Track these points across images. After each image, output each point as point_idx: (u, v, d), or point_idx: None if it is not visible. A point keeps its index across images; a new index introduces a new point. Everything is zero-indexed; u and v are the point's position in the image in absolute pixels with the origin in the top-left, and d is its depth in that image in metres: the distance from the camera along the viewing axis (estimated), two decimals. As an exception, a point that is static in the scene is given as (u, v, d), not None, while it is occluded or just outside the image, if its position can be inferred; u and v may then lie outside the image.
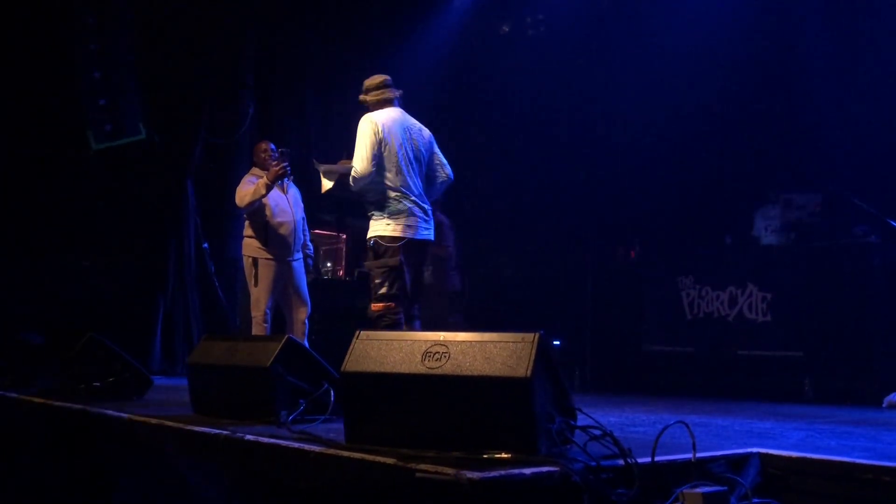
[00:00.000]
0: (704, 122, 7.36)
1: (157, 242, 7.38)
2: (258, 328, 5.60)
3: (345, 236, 9.20)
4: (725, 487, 2.45)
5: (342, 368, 2.63)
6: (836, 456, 2.66)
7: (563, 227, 8.30)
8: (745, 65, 7.14)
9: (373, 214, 4.39)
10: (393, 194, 4.36)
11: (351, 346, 2.66)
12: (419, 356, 2.50)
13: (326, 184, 4.40)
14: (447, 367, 2.43)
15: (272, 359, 3.35)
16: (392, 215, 4.35)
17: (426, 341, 2.53)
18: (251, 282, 5.65)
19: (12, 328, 6.15)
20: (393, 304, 4.28)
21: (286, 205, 5.73)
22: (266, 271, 5.61)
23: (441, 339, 2.51)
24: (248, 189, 5.55)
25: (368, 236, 4.39)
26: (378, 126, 4.37)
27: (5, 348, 5.73)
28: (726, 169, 7.29)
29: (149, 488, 3.29)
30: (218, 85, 7.75)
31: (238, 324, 7.84)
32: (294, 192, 5.86)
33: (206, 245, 7.54)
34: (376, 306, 4.29)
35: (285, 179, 5.64)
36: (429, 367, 2.47)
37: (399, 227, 4.34)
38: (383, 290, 4.28)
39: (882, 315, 5.81)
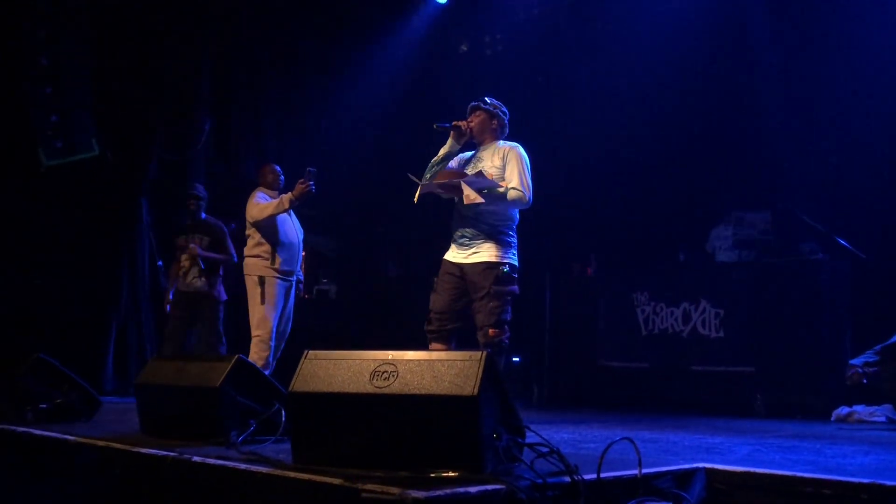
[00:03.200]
0: (659, 140, 7.49)
1: (111, 260, 7.26)
2: (262, 347, 5.53)
3: (304, 253, 9.15)
4: (671, 503, 2.48)
5: (290, 388, 2.62)
6: (779, 469, 2.71)
7: (521, 244, 8.34)
8: (698, 83, 7.29)
9: (497, 241, 4.37)
10: (514, 226, 4.49)
11: (299, 366, 2.65)
12: (367, 375, 2.50)
13: (473, 196, 4.26)
14: (395, 386, 2.44)
15: (222, 379, 3.31)
16: (514, 247, 4.45)
17: (374, 360, 2.53)
18: (256, 300, 5.59)
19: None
20: (508, 329, 4.34)
21: (290, 225, 5.77)
22: (272, 290, 5.60)
23: (389, 358, 2.51)
24: (267, 203, 5.57)
25: (497, 261, 4.32)
26: (528, 160, 4.48)
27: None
28: (680, 186, 7.42)
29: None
30: (173, 100, 7.68)
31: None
32: (293, 213, 5.88)
33: (160, 263, 7.44)
34: (496, 331, 4.28)
35: (313, 186, 5.63)
36: (377, 387, 2.46)
37: (517, 259, 4.44)
38: (506, 315, 4.31)
39: (829, 330, 5.94)
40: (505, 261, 4.35)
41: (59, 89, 6.90)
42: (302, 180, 5.44)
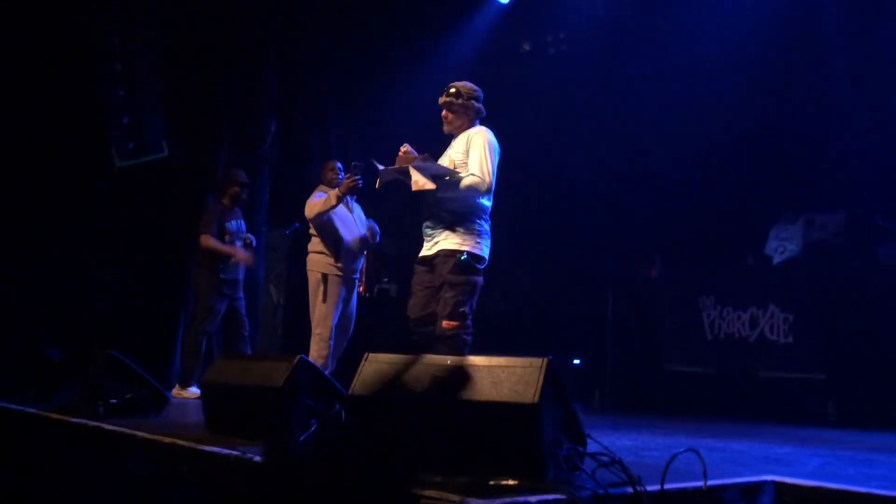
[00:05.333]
0: (727, 140, 7.31)
1: (180, 259, 7.44)
2: (322, 345, 5.56)
3: (366, 251, 9.22)
4: (737, 517, 2.41)
5: (349, 391, 2.63)
6: (853, 486, 2.61)
7: (584, 244, 8.25)
8: (768, 83, 7.09)
9: (458, 229, 4.14)
10: (484, 215, 4.25)
11: (359, 369, 2.66)
12: (426, 380, 2.50)
13: (422, 182, 4.08)
14: (454, 392, 2.42)
15: (284, 379, 3.35)
16: (481, 235, 4.20)
17: (434, 365, 2.52)
18: (318, 297, 5.62)
19: (35, 343, 6.22)
20: (469, 324, 4.11)
21: (352, 222, 5.77)
22: (335, 288, 5.61)
23: (448, 363, 2.50)
24: (317, 200, 5.60)
25: (455, 248, 4.11)
26: (496, 144, 4.28)
27: (28, 363, 5.79)
28: (749, 188, 7.23)
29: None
30: (240, 102, 7.82)
31: (259, 342, 7.87)
32: (358, 210, 5.88)
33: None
34: (451, 323, 4.04)
35: (350, 199, 5.68)
36: (436, 392, 2.46)
37: (486, 249, 4.22)
38: (464, 307, 4.07)
39: (907, 338, 5.70)
40: (464, 249, 4.10)
41: (131, 92, 7.11)
42: (348, 174, 5.44)
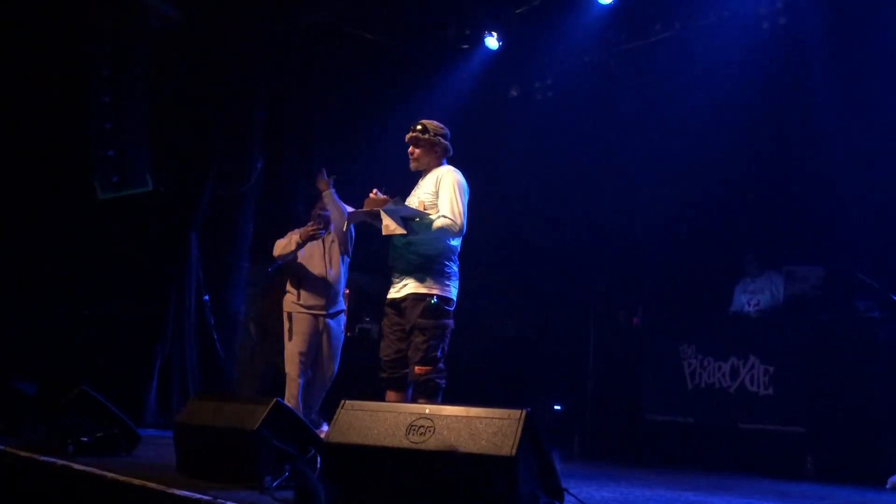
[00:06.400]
0: (711, 191, 7.38)
1: (158, 293, 7.36)
2: (292, 385, 5.46)
3: (347, 291, 9.18)
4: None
5: (325, 439, 2.59)
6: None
7: (566, 292, 8.27)
8: (751, 135, 7.19)
9: (427, 271, 4.10)
10: (453, 256, 4.21)
11: (335, 416, 2.62)
12: (403, 429, 2.47)
13: (393, 227, 4.07)
14: (431, 442, 2.39)
15: (259, 422, 3.30)
16: (450, 277, 4.17)
17: (411, 414, 2.49)
18: (286, 337, 5.56)
19: (7, 376, 6.11)
20: (442, 368, 4.06)
21: (320, 257, 5.67)
22: (298, 325, 5.53)
23: (426, 412, 2.47)
24: (281, 241, 5.61)
25: (424, 292, 4.07)
26: (465, 184, 4.24)
27: (-1, 397, 5.68)
28: (731, 239, 7.28)
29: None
30: (226, 138, 7.83)
31: (236, 378, 7.77)
32: (334, 243, 5.72)
33: (206, 297, 7.52)
34: (423, 368, 3.99)
35: (323, 232, 5.64)
36: (413, 442, 2.43)
37: (454, 291, 4.18)
38: (435, 352, 4.02)
39: (886, 392, 5.71)
40: (433, 292, 4.06)
41: (117, 125, 7.10)
42: (310, 223, 5.54)
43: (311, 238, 5.52)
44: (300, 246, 5.52)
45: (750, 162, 7.17)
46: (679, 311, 7.49)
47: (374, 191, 4.26)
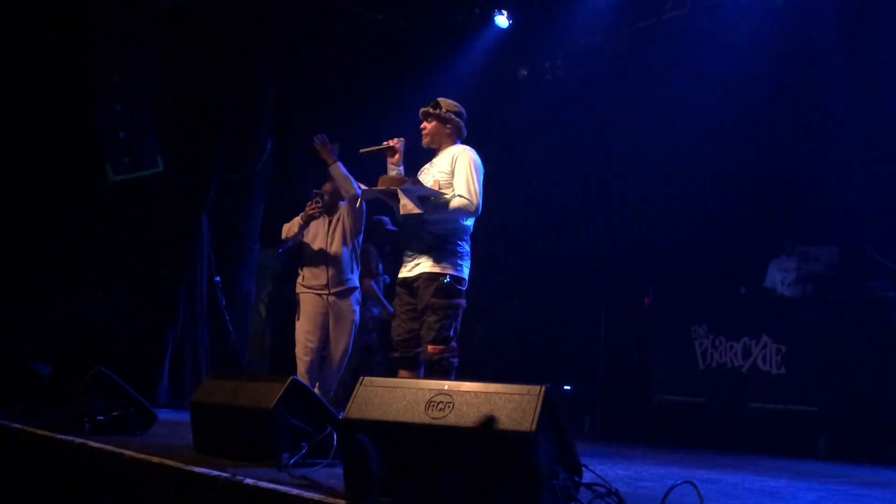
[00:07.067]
0: (722, 171, 7.34)
1: (170, 275, 7.39)
2: (299, 364, 5.47)
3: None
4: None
5: (344, 415, 2.59)
6: (849, 522, 2.59)
7: (577, 272, 8.26)
8: (764, 114, 7.13)
9: (440, 251, 4.08)
10: (466, 236, 4.19)
11: (354, 393, 2.63)
12: (422, 405, 2.46)
13: (411, 207, 4.01)
14: (450, 418, 2.39)
15: (275, 400, 3.31)
16: (463, 257, 4.15)
17: (430, 390, 2.49)
18: (296, 318, 5.58)
19: (23, 358, 6.15)
20: (454, 347, 4.05)
21: (323, 236, 5.59)
22: (304, 306, 5.51)
23: (445, 388, 2.47)
24: (288, 224, 5.59)
25: (437, 272, 4.05)
26: (481, 164, 4.21)
27: (15, 378, 5.71)
28: (743, 219, 7.25)
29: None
30: (237, 120, 7.82)
31: (247, 359, 7.81)
32: (340, 222, 5.62)
33: (217, 279, 7.54)
34: (436, 348, 3.98)
35: (324, 211, 5.57)
36: (432, 418, 2.42)
37: (467, 271, 4.16)
38: (448, 331, 4.01)
39: (899, 371, 5.70)
40: (446, 272, 4.04)
41: (128, 107, 7.09)
42: (310, 202, 5.44)
43: (312, 218, 5.47)
44: (302, 227, 5.48)
45: (763, 141, 7.12)
46: (690, 291, 7.47)
47: (396, 140, 4.26)
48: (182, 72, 7.44)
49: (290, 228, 5.56)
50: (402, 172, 4.32)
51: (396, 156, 4.30)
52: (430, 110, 4.29)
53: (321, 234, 5.62)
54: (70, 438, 3.91)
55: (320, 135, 5.29)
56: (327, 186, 5.67)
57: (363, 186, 4.22)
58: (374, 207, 5.64)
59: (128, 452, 3.48)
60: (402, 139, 4.34)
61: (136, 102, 7.18)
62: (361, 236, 5.71)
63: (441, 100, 4.32)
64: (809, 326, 6.17)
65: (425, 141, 4.34)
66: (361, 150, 4.38)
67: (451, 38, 8.61)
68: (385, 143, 4.34)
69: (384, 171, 4.31)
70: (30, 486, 4.06)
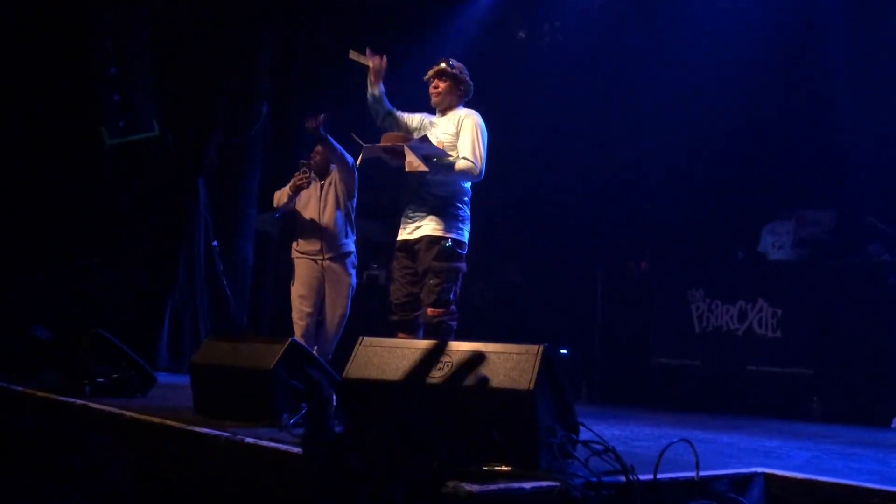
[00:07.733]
0: (719, 135, 7.30)
1: (168, 240, 7.39)
2: (295, 328, 5.50)
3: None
4: (728, 508, 2.42)
5: (343, 374, 2.61)
6: (842, 479, 2.62)
7: (574, 236, 8.25)
8: (761, 79, 7.08)
9: (441, 213, 4.07)
10: (466, 199, 4.19)
11: (353, 352, 2.64)
12: (422, 364, 2.47)
13: (417, 164, 3.96)
14: (449, 377, 2.41)
15: (275, 361, 3.33)
16: (464, 220, 4.16)
17: (429, 349, 2.50)
18: (291, 283, 5.61)
19: (21, 322, 6.16)
20: (454, 310, 4.06)
21: (315, 203, 5.57)
22: (299, 270, 5.54)
23: (444, 347, 2.48)
24: (279, 192, 5.62)
25: (439, 235, 4.05)
26: (485, 128, 4.18)
27: (14, 342, 5.73)
28: (740, 183, 7.23)
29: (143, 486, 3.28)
30: (233, 83, 7.75)
31: (245, 322, 7.83)
32: (332, 187, 5.60)
33: (215, 243, 7.54)
34: (436, 311, 3.98)
35: (312, 181, 5.56)
36: (430, 377, 2.44)
37: (467, 234, 4.17)
38: (448, 294, 4.01)
39: (895, 335, 5.74)
40: (448, 235, 4.05)
41: (123, 70, 7.03)
42: (297, 173, 5.43)
43: (300, 189, 5.45)
44: (291, 197, 5.50)
45: (760, 105, 7.07)
46: (687, 255, 7.48)
47: (380, 59, 4.24)
48: (177, 34, 7.36)
49: (279, 198, 5.59)
50: (383, 91, 4.29)
51: (379, 78, 4.26)
52: (448, 69, 4.22)
53: (314, 200, 5.60)
54: (71, 400, 3.94)
55: (310, 115, 5.23)
56: (318, 151, 5.65)
57: (364, 143, 4.16)
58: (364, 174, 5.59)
59: (129, 413, 3.51)
60: (384, 58, 4.29)
61: (131, 65, 7.12)
62: (356, 199, 5.69)
63: (451, 59, 4.28)
64: (805, 290, 6.20)
65: (434, 101, 4.28)
66: (350, 54, 4.32)
67: (449, 1, 8.51)
68: (370, 58, 4.26)
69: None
70: (29, 448, 4.09)
